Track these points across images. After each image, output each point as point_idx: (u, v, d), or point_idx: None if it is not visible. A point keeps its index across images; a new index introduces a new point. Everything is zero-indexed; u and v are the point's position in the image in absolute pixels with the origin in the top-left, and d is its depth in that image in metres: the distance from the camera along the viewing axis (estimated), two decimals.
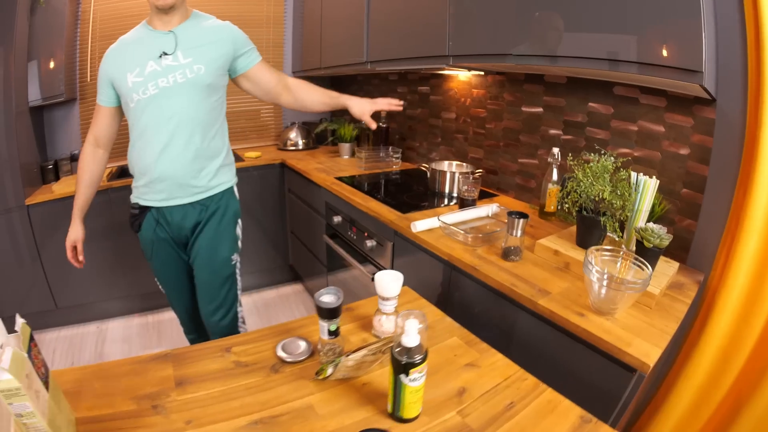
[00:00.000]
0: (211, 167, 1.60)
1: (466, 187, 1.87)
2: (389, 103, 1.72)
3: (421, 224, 1.68)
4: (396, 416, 0.80)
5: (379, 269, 1.99)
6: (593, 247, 1.19)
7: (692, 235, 1.44)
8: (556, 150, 1.70)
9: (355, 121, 3.29)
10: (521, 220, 1.38)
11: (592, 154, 1.38)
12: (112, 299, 2.93)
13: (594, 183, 1.33)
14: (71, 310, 2.82)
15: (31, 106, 2.70)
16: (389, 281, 1.00)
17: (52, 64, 2.75)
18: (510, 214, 1.40)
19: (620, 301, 1.11)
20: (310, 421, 0.82)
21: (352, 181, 2.43)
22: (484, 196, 2.13)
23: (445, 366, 0.98)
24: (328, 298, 0.94)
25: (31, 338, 0.69)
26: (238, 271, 1.77)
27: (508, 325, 1.35)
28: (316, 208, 2.68)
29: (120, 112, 1.60)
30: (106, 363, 0.97)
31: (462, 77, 2.31)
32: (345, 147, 3.11)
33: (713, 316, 1.33)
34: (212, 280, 1.69)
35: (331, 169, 2.73)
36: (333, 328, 0.95)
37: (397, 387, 0.77)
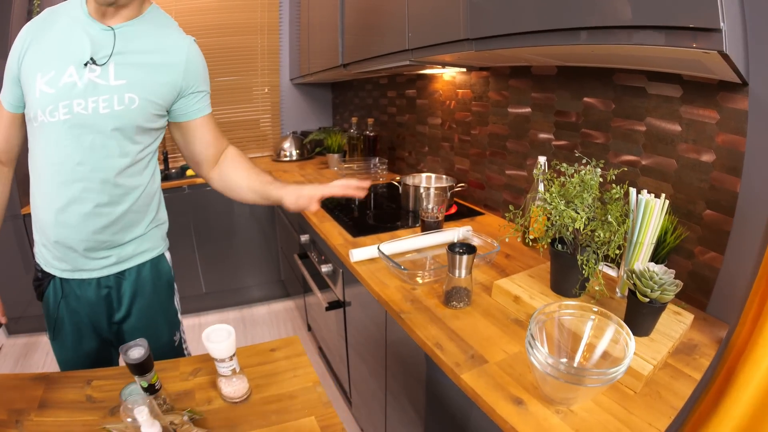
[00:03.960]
0: (131, 234, 1.14)
1: (430, 206, 1.49)
2: (345, 187, 1.18)
3: (359, 253, 1.32)
4: None
5: (336, 299, 1.66)
6: (546, 305, 0.79)
7: (716, 273, 1.02)
8: (542, 159, 1.31)
9: (344, 129, 2.99)
10: (464, 257, 1.00)
11: (565, 165, 0.98)
12: None
13: (565, 208, 0.93)
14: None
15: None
16: (217, 341, 0.82)
17: None
18: (452, 248, 1.02)
19: (579, 391, 0.72)
20: None
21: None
22: (469, 214, 1.74)
23: None
24: (135, 352, 0.79)
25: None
26: (184, 344, 1.34)
27: (440, 390, 0.98)
28: (293, 224, 2.38)
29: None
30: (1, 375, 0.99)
31: (446, 77, 1.94)
32: (333, 158, 2.80)
33: (733, 390, 0.89)
34: None
35: (310, 183, 2.40)
36: (145, 384, 0.81)
37: None
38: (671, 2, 0.70)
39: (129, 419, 0.69)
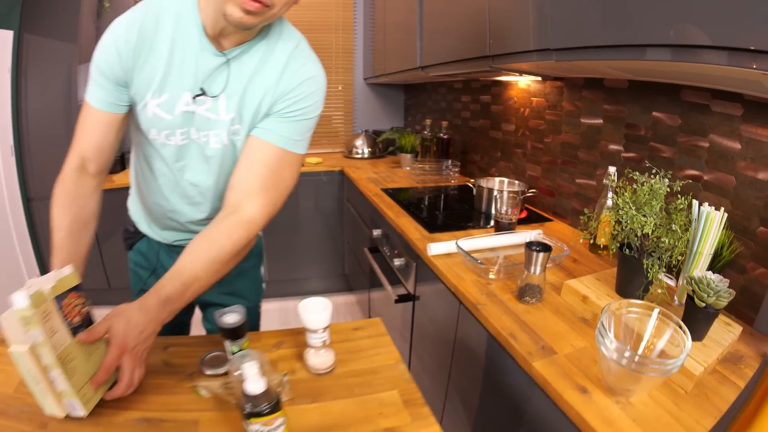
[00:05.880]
0: None
1: (504, 209, 1.60)
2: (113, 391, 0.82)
3: (437, 247, 1.45)
4: None
5: (406, 293, 1.79)
6: (614, 302, 0.89)
7: (765, 290, 1.06)
8: (612, 169, 1.39)
9: (416, 131, 3.11)
10: (540, 255, 1.11)
11: (637, 174, 1.07)
12: None
13: (636, 213, 1.02)
14: (122, 292, 2.92)
15: None
16: (314, 311, 0.86)
17: None
18: (530, 246, 1.13)
19: (640, 382, 0.81)
20: None
21: (397, 194, 2.24)
22: (538, 220, 1.83)
23: (359, 424, 0.78)
24: (230, 318, 0.85)
25: (78, 289, 0.80)
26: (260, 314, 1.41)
27: (500, 375, 1.10)
28: (364, 219, 2.53)
29: (125, 121, 1.02)
30: None
31: (521, 84, 2.02)
32: (406, 158, 2.94)
33: None
34: None
35: (383, 180, 2.56)
36: (236, 349, 0.86)
37: None
38: (734, 24, 0.78)
39: (237, 372, 0.74)
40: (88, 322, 0.81)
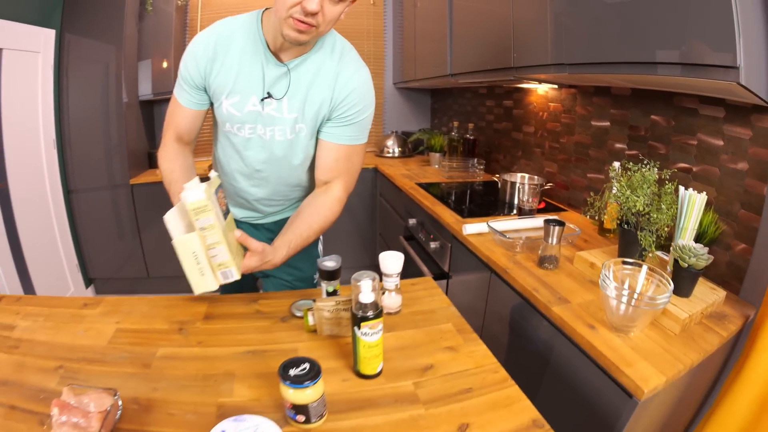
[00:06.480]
0: (294, 201, 1.47)
1: (526, 197, 1.91)
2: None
3: (471, 227, 1.76)
4: (356, 371, 0.93)
5: (441, 272, 2.10)
6: (612, 260, 1.19)
7: (748, 263, 1.33)
8: (617, 164, 1.68)
9: (443, 132, 3.41)
10: (557, 228, 1.41)
11: (630, 163, 1.37)
12: None
13: (630, 194, 1.32)
14: (161, 281, 3.27)
15: (142, 99, 3.15)
16: (391, 259, 1.13)
17: (165, 64, 3.17)
18: (547, 221, 1.43)
19: (637, 319, 1.09)
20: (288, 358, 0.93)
21: (430, 187, 2.55)
22: (555, 210, 2.13)
23: (425, 344, 1.07)
24: (329, 262, 1.11)
25: (220, 186, 1.03)
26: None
27: (525, 329, 1.40)
28: (398, 211, 2.84)
29: (205, 112, 1.32)
30: (157, 297, 1.25)
31: (540, 91, 2.32)
32: (435, 156, 3.24)
33: (752, 358, 1.22)
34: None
35: (416, 176, 2.87)
36: (331, 289, 1.11)
37: (355, 341, 0.90)
38: (700, 47, 1.09)
39: (361, 280, 0.89)
40: (227, 210, 1.04)
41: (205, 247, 0.95)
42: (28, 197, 2.65)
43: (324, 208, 1.26)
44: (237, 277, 1.01)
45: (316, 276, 1.60)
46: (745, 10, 1.03)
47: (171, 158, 1.28)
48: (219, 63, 1.17)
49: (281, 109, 1.20)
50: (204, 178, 1.01)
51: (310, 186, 1.41)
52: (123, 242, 3.20)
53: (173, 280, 3.27)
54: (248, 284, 1.51)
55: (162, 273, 3.28)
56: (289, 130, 1.23)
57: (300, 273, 1.52)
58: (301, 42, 1.08)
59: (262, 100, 1.19)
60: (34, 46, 2.62)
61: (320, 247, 1.63)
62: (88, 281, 3.27)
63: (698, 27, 1.12)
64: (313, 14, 1.00)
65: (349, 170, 1.31)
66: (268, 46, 1.16)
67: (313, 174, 1.35)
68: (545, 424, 0.83)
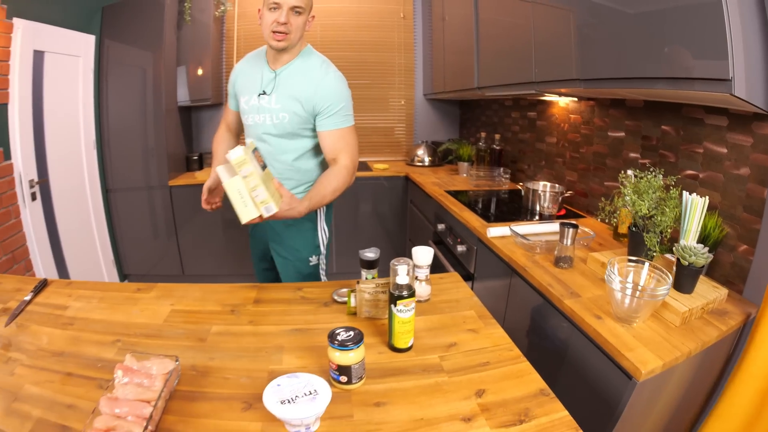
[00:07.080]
0: (295, 189, 1.75)
1: (547, 204, 2.05)
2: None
3: (495, 231, 1.92)
4: (390, 344, 1.11)
5: (467, 273, 2.26)
6: (617, 257, 1.34)
7: (750, 264, 1.44)
8: (630, 172, 1.81)
9: (471, 142, 3.57)
10: (571, 230, 1.56)
11: (637, 171, 1.51)
12: (233, 275, 3.47)
13: (636, 199, 1.46)
14: (195, 278, 3.44)
15: (180, 105, 3.33)
16: (423, 252, 1.31)
17: (200, 72, 3.33)
18: (563, 224, 1.58)
19: (639, 310, 1.22)
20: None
21: (458, 195, 2.72)
22: (574, 217, 2.26)
23: (450, 327, 1.24)
24: (370, 254, 1.30)
25: (256, 149, 1.30)
26: (321, 270, 1.90)
27: (540, 321, 1.55)
28: (428, 217, 3.01)
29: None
30: (208, 285, 1.45)
31: (561, 103, 2.47)
32: (463, 166, 3.40)
33: (752, 353, 1.28)
34: (290, 273, 1.86)
35: (445, 184, 3.04)
36: (370, 276, 1.29)
37: (390, 317, 1.08)
38: (693, 62, 1.22)
39: (398, 265, 1.05)
40: (264, 165, 1.30)
41: (248, 189, 1.21)
42: (68, 193, 2.84)
43: (334, 173, 1.59)
44: (276, 210, 1.27)
45: (312, 257, 1.85)
46: (742, 24, 1.12)
47: (224, 141, 1.89)
48: (243, 76, 1.74)
49: (270, 101, 1.63)
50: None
51: (300, 173, 1.74)
52: (158, 241, 3.41)
53: (207, 278, 3.55)
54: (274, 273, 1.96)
55: (197, 272, 3.49)
56: (275, 116, 1.63)
57: (298, 253, 1.82)
58: (281, 48, 1.55)
59: (259, 95, 1.65)
60: (75, 50, 2.82)
61: (320, 236, 1.85)
62: (123, 277, 3.49)
63: (692, 41, 1.24)
64: (284, 24, 1.49)
65: (347, 146, 1.65)
66: (267, 59, 1.67)
67: (301, 165, 1.72)
68: (551, 392, 0.98)
